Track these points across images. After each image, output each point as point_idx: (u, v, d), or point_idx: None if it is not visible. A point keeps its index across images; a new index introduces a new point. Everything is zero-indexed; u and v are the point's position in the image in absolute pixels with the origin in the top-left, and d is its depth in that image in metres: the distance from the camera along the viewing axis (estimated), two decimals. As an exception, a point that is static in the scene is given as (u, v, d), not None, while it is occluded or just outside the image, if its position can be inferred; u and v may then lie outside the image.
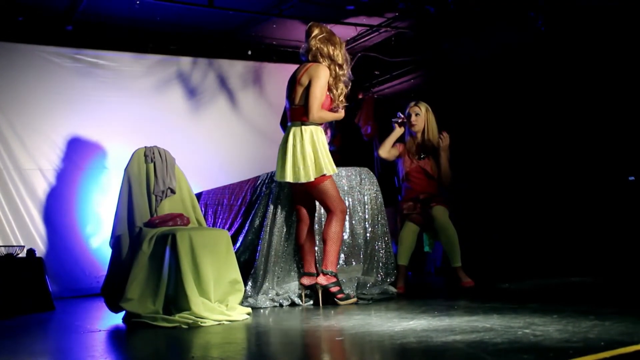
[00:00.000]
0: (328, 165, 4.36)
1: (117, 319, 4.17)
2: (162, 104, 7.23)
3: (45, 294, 5.16)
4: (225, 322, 3.77)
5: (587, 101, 5.85)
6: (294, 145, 4.35)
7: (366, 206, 4.94)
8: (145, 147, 4.60)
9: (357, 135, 8.27)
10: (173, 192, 4.57)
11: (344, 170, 4.97)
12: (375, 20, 7.24)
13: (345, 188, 4.90)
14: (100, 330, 3.86)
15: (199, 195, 5.62)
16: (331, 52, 4.48)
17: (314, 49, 4.48)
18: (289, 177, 4.33)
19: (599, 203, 5.74)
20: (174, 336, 3.42)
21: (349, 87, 4.59)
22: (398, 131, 5.45)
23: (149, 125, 6.92)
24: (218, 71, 7.63)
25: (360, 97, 8.42)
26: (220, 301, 4.01)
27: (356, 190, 4.95)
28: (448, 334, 2.77)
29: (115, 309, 4.23)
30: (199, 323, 3.69)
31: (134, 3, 6.27)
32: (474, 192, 6.77)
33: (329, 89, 4.45)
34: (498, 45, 6.56)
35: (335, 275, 4.41)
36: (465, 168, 6.59)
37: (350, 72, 4.58)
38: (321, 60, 4.46)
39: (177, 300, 3.86)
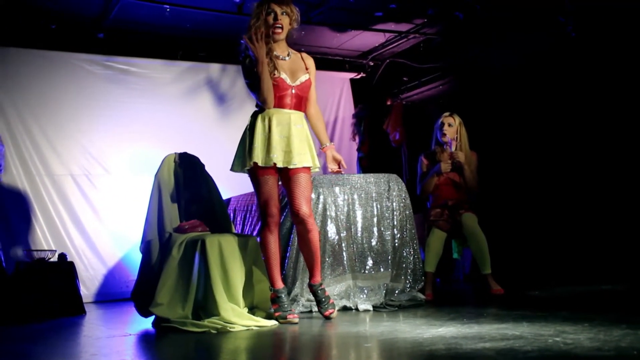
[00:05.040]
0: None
1: (146, 324, 4.20)
2: (191, 111, 7.28)
3: (76, 298, 5.22)
4: (254, 328, 3.78)
5: (622, 108, 5.78)
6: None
7: (394, 213, 4.93)
8: (176, 153, 4.63)
9: (386, 142, 8.26)
10: (203, 198, 4.60)
11: (372, 177, 4.96)
12: (403, 27, 7.23)
13: (374, 194, 4.89)
14: (130, 335, 3.90)
15: (228, 201, 5.65)
16: None
17: None
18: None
19: (631, 211, 5.67)
20: (203, 341, 3.44)
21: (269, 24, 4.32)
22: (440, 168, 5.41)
23: (178, 132, 6.98)
24: (247, 78, 7.64)
25: (388, 103, 8.42)
26: (249, 307, 4.03)
27: (384, 196, 4.94)
28: (477, 341, 2.76)
29: (145, 313, 4.26)
30: (228, 328, 3.71)
31: (164, 11, 6.33)
32: (504, 199, 6.72)
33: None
34: (527, 51, 6.51)
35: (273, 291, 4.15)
36: (496, 175, 6.54)
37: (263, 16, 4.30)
38: None
39: (206, 305, 3.88)
